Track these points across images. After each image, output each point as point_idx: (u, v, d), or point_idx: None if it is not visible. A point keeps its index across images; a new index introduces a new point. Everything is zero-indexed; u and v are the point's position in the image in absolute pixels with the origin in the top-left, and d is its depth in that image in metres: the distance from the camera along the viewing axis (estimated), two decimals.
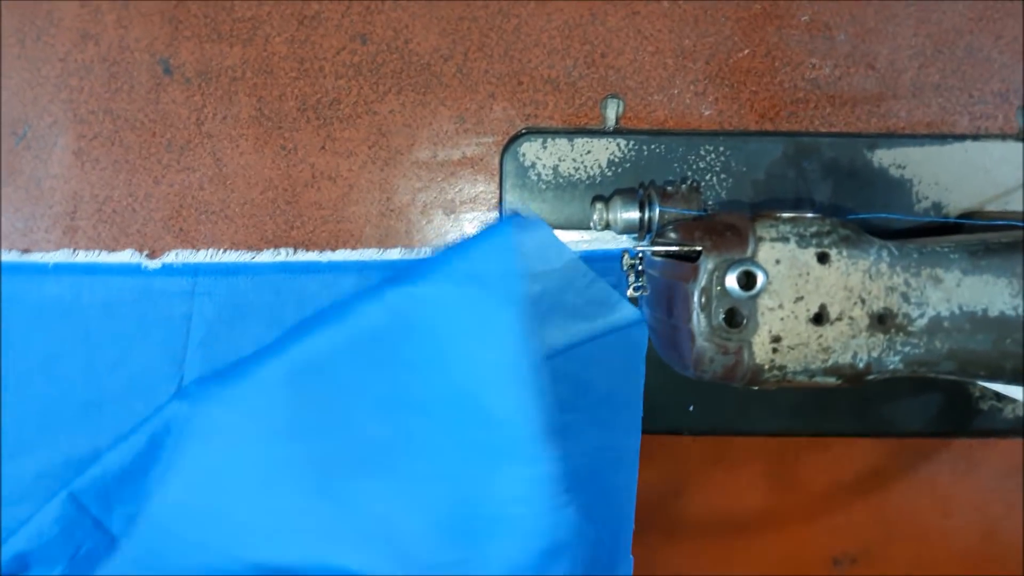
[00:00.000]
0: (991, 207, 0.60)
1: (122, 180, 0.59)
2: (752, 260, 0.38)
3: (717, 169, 0.60)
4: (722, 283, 0.38)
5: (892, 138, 0.60)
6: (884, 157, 0.60)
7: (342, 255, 0.59)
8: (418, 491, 0.47)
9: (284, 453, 0.47)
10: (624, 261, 0.56)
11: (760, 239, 0.38)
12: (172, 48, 0.59)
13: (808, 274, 0.38)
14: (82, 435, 0.57)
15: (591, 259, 0.58)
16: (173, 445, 0.48)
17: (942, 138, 0.60)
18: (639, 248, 0.46)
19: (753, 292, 0.37)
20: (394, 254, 0.59)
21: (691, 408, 0.61)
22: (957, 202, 0.60)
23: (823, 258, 0.38)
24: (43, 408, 0.57)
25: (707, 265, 0.38)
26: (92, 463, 0.52)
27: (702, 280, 0.38)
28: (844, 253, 0.39)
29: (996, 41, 0.60)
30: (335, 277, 0.58)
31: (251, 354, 0.49)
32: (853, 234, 0.39)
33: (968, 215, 0.60)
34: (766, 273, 0.38)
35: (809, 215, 0.40)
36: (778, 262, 0.38)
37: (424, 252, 0.59)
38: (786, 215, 0.40)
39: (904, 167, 0.60)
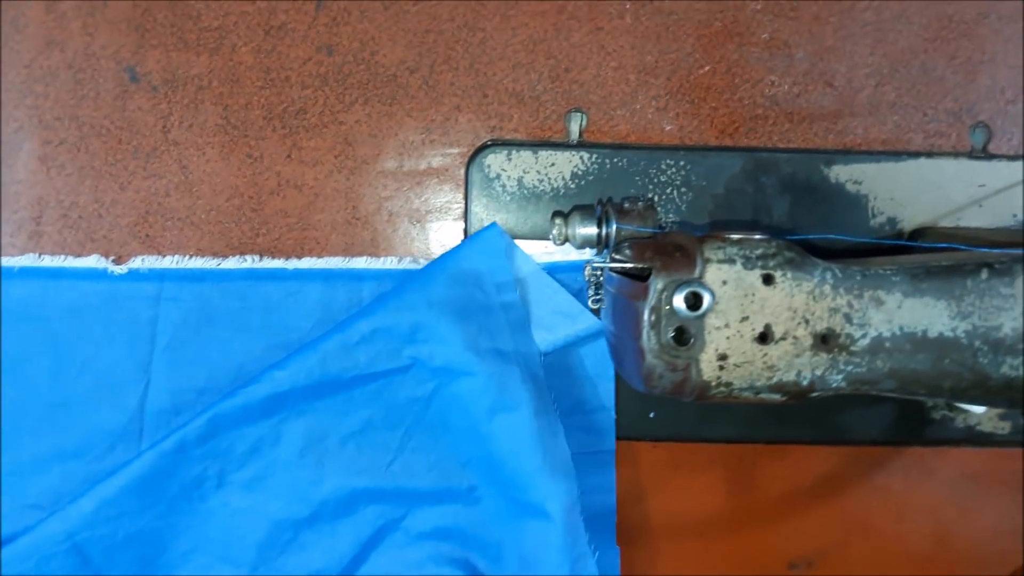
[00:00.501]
0: (944, 223, 0.62)
1: (88, 186, 0.59)
2: (699, 281, 0.39)
3: (678, 183, 0.61)
4: (670, 303, 0.39)
5: (849, 154, 0.62)
6: (841, 173, 0.62)
7: (308, 263, 0.60)
8: None
9: None
10: (586, 272, 0.57)
11: (708, 260, 0.39)
12: (139, 56, 0.59)
13: (753, 295, 0.40)
14: (48, 436, 0.58)
15: (555, 270, 0.59)
16: None
17: (897, 155, 0.62)
18: (597, 264, 0.47)
19: (700, 312, 0.38)
20: (360, 263, 0.60)
21: (652, 415, 0.62)
22: (911, 217, 0.62)
23: (768, 279, 0.40)
24: (10, 410, 0.57)
25: (656, 285, 0.39)
26: (92, 500, 0.54)
27: (652, 299, 0.39)
28: (789, 275, 0.40)
29: (950, 61, 0.62)
30: (300, 284, 0.59)
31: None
32: (798, 256, 0.40)
33: (921, 231, 0.61)
34: (712, 294, 0.39)
35: (757, 236, 0.41)
36: (724, 283, 0.39)
37: (390, 262, 0.60)
38: (734, 236, 0.41)
39: (860, 183, 0.62)
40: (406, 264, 0.60)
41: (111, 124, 0.59)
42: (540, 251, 0.60)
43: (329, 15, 0.60)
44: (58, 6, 0.59)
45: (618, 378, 0.61)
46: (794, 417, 0.63)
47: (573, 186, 0.61)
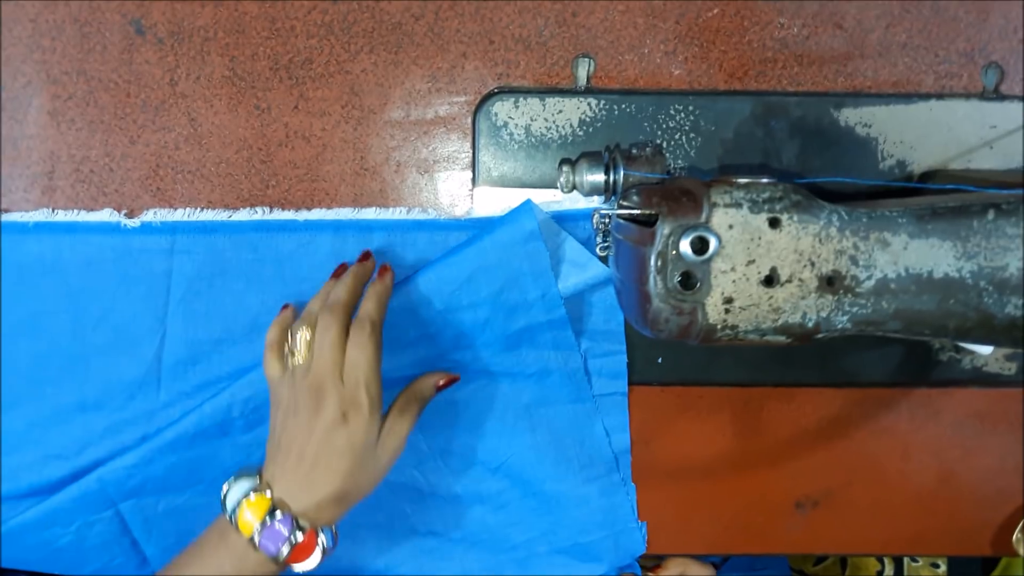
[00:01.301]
0: (954, 165, 0.62)
1: (98, 140, 0.60)
2: (705, 225, 0.39)
3: (687, 128, 0.61)
4: (676, 248, 0.39)
5: (858, 97, 0.61)
6: (850, 116, 0.61)
7: (318, 214, 0.60)
8: None
9: None
10: (595, 220, 0.57)
11: (714, 205, 0.40)
12: (144, 8, 0.59)
13: (760, 238, 0.40)
14: (68, 388, 0.59)
15: (563, 218, 0.59)
16: None
17: (907, 97, 0.61)
18: (604, 210, 0.47)
19: (706, 256, 0.39)
20: (369, 213, 0.60)
21: (659, 360, 0.63)
22: (921, 160, 0.62)
23: (774, 223, 0.40)
24: (30, 363, 0.59)
25: (663, 230, 0.40)
26: (135, 467, 0.57)
27: (658, 244, 0.40)
28: (795, 218, 0.40)
29: (962, 1, 0.61)
30: (311, 235, 0.60)
31: None
32: (804, 199, 0.40)
33: (931, 174, 0.61)
34: (718, 238, 0.39)
35: (764, 180, 0.41)
36: (731, 227, 0.40)
37: (399, 212, 0.61)
38: (741, 180, 0.41)
39: (870, 126, 0.62)
40: (415, 214, 0.60)
41: (119, 78, 0.60)
42: (548, 199, 0.60)
43: None
44: None
45: (626, 323, 0.62)
46: (800, 360, 0.64)
47: (581, 133, 0.61)
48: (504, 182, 0.61)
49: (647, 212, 0.42)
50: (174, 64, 0.60)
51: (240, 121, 0.60)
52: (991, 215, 0.41)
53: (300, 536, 0.47)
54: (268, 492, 0.48)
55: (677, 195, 0.41)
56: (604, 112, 0.61)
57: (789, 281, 0.40)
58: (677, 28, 0.61)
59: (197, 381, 0.59)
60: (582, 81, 0.61)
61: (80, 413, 0.59)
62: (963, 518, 0.67)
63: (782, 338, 0.41)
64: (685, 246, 0.39)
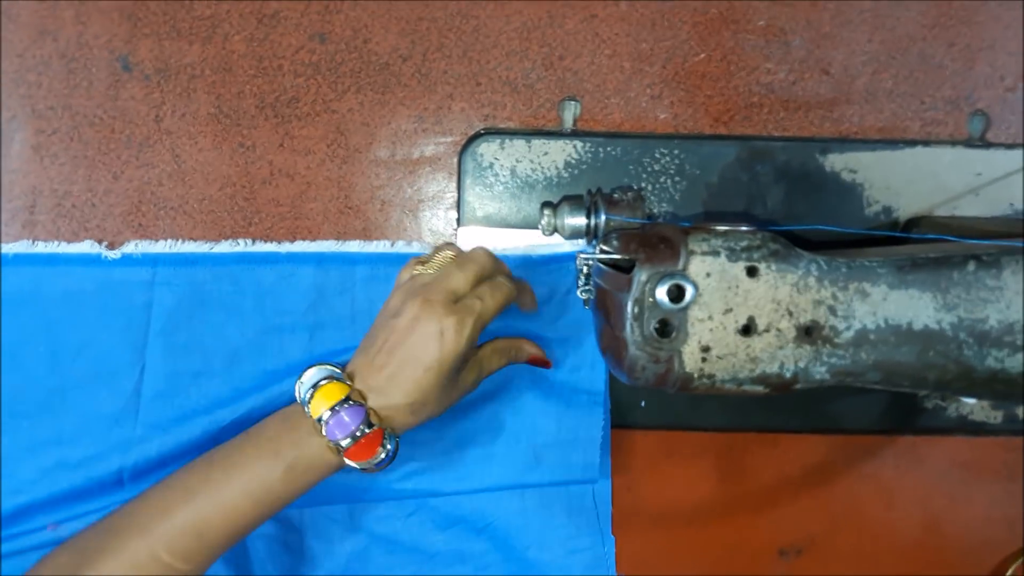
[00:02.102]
0: (939, 212, 0.62)
1: (81, 175, 0.60)
2: (682, 273, 0.39)
3: (672, 172, 0.61)
4: (653, 295, 0.39)
5: (844, 143, 0.62)
6: (836, 161, 0.62)
7: (300, 246, 0.60)
8: None
9: None
10: (578, 261, 0.57)
11: (692, 252, 0.39)
12: (131, 45, 0.59)
13: (737, 287, 0.40)
14: (46, 422, 0.58)
15: (548, 260, 0.59)
16: None
17: (893, 143, 0.62)
18: (585, 256, 0.47)
19: (682, 304, 0.38)
20: (353, 246, 0.60)
21: (642, 404, 0.63)
22: (907, 207, 0.62)
23: (752, 272, 0.40)
24: (7, 395, 0.58)
25: (640, 276, 0.39)
26: None
27: (635, 291, 0.39)
28: (773, 267, 0.40)
29: (949, 48, 0.61)
30: (293, 268, 0.59)
31: None
32: (783, 248, 0.40)
33: (916, 220, 0.61)
34: (695, 286, 0.39)
35: (742, 228, 0.41)
36: (708, 275, 0.39)
37: (383, 245, 0.60)
38: (720, 228, 0.41)
39: (856, 171, 0.62)
40: (399, 248, 0.60)
41: (104, 113, 0.60)
42: (533, 240, 0.60)
43: (322, 4, 0.60)
44: None
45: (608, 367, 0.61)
46: (784, 406, 0.64)
47: (567, 175, 0.61)
48: (489, 222, 0.61)
49: (625, 258, 0.41)
50: (160, 101, 0.60)
51: (224, 158, 0.60)
52: (971, 266, 0.41)
53: (367, 430, 0.46)
54: (347, 382, 0.48)
55: (655, 242, 0.40)
56: (589, 155, 0.61)
57: (767, 331, 0.40)
58: (663, 72, 0.61)
59: (175, 415, 0.58)
60: (568, 124, 0.61)
61: (56, 447, 0.58)
62: (949, 568, 0.66)
63: (760, 388, 0.40)
64: (661, 293, 0.38)
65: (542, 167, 0.61)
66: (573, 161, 0.61)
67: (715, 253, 0.39)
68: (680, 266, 0.39)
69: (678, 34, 0.61)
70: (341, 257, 0.59)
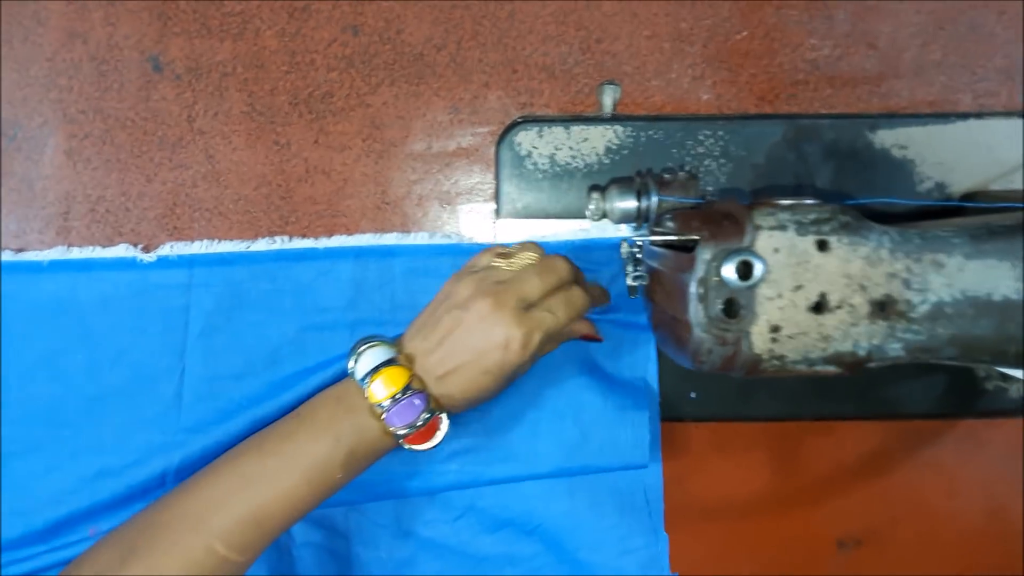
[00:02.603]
0: (995, 186, 0.60)
1: (114, 179, 0.59)
2: (750, 249, 0.37)
3: (716, 154, 0.59)
4: (719, 273, 0.37)
5: (893, 118, 0.60)
6: (886, 138, 0.59)
7: (337, 241, 0.59)
8: None
9: None
10: (623, 249, 0.55)
11: (758, 227, 0.38)
12: (161, 45, 0.58)
13: (807, 262, 0.38)
14: (87, 429, 0.57)
15: (591, 247, 0.58)
16: None
17: (944, 117, 0.59)
18: (636, 237, 0.45)
19: (751, 282, 0.37)
20: (390, 239, 0.59)
21: (693, 395, 0.61)
22: (960, 182, 0.60)
23: (822, 245, 0.38)
24: (47, 405, 0.57)
25: (704, 255, 0.38)
26: None
27: (699, 270, 0.38)
28: (844, 240, 0.38)
29: (999, 17, 0.59)
30: (332, 263, 0.58)
31: None
32: (853, 220, 0.38)
33: (971, 195, 0.59)
34: (764, 262, 0.37)
35: (808, 201, 0.39)
36: (776, 250, 0.38)
37: (421, 237, 0.59)
38: (785, 202, 0.39)
39: (906, 147, 0.60)
40: (437, 240, 0.59)
41: (136, 115, 0.59)
42: (574, 229, 0.59)
43: None
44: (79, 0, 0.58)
45: (661, 360, 0.59)
46: (839, 392, 0.61)
47: (607, 161, 0.59)
48: (528, 213, 0.60)
49: (687, 237, 0.40)
50: (192, 100, 0.59)
51: (259, 157, 0.59)
52: None
53: (428, 417, 0.46)
54: (407, 364, 0.47)
55: (718, 218, 0.39)
56: (631, 139, 0.59)
57: (839, 307, 0.38)
58: (705, 52, 0.59)
59: (217, 417, 0.57)
60: (608, 108, 0.59)
61: (97, 455, 0.57)
62: (1014, 557, 0.63)
63: (832, 368, 0.39)
64: (728, 271, 0.37)
65: (582, 154, 0.59)
66: (614, 146, 0.59)
67: (783, 227, 0.38)
68: (746, 242, 0.37)
69: (719, 12, 0.59)
70: (380, 251, 0.58)
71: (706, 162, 0.59)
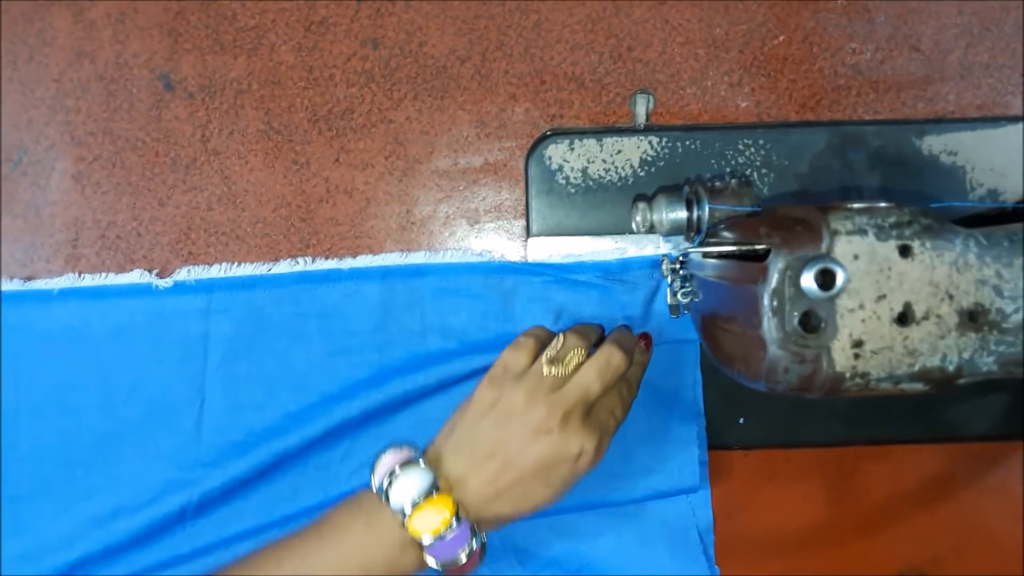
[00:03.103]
0: None
1: (125, 203, 0.56)
2: (829, 256, 0.34)
3: (757, 163, 0.56)
4: (796, 283, 0.34)
5: (941, 123, 0.57)
6: (934, 144, 0.57)
7: (363, 261, 0.55)
8: None
9: None
10: (664, 267, 0.52)
11: (835, 232, 0.34)
12: (172, 62, 0.56)
13: (890, 269, 0.34)
14: (101, 467, 0.54)
15: (629, 266, 0.54)
16: None
17: (995, 120, 0.57)
18: (692, 249, 0.42)
19: (833, 292, 0.33)
20: (418, 257, 0.56)
21: (741, 421, 0.57)
22: (1014, 188, 0.57)
23: (905, 251, 0.34)
24: (59, 442, 0.54)
25: (778, 264, 0.34)
26: None
27: (772, 281, 0.34)
28: (928, 245, 0.35)
29: None
30: (357, 285, 0.55)
31: None
32: (936, 223, 0.35)
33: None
34: (846, 270, 0.34)
35: (882, 204, 0.36)
36: (856, 257, 0.34)
37: (451, 255, 0.56)
38: (858, 206, 0.36)
39: (956, 153, 0.57)
40: (468, 257, 0.55)
41: (147, 136, 0.56)
42: (611, 247, 0.55)
43: (372, 7, 0.56)
44: (87, 15, 0.55)
45: (704, 385, 0.56)
46: (895, 413, 0.58)
47: (643, 173, 0.56)
48: (561, 230, 0.57)
49: (753, 245, 0.36)
50: (205, 119, 0.56)
51: (277, 177, 0.56)
52: None
53: (474, 548, 0.42)
54: (448, 492, 0.43)
55: (789, 224, 0.35)
56: (667, 150, 0.56)
57: (926, 318, 0.34)
58: (741, 58, 0.57)
59: (239, 450, 0.53)
60: (641, 118, 0.57)
61: (112, 493, 0.53)
62: None
63: (919, 385, 0.35)
64: (808, 280, 0.33)
65: (616, 167, 0.56)
66: (649, 158, 0.56)
67: (862, 232, 0.34)
68: (823, 249, 0.34)
69: (754, 16, 0.57)
70: (407, 270, 0.55)
71: (747, 172, 0.56)
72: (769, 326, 0.34)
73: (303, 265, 0.55)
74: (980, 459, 0.59)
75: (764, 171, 0.56)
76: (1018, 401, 0.57)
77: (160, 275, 0.55)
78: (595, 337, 0.49)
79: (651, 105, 0.57)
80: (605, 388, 0.44)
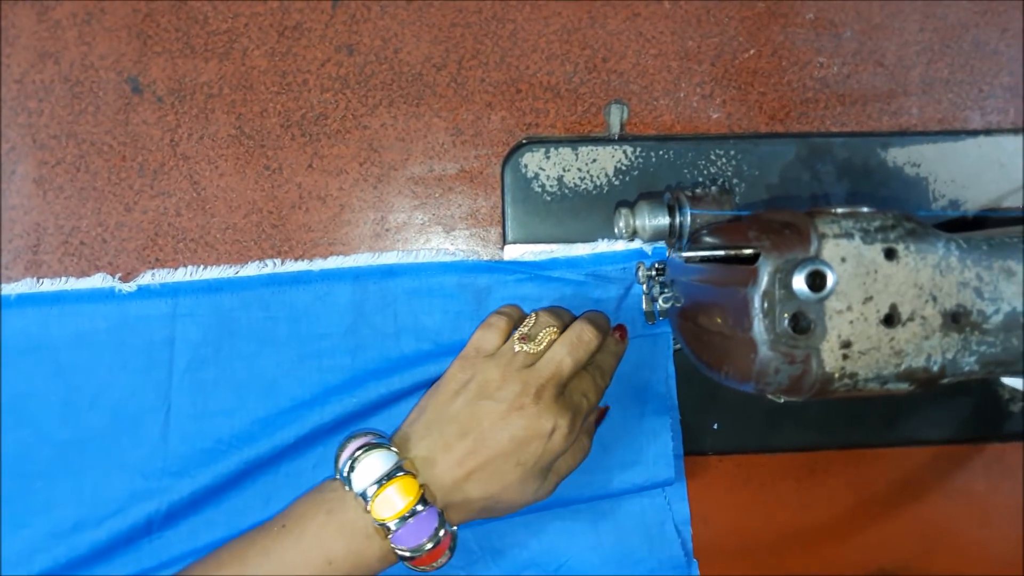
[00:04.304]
0: (1008, 202, 0.59)
1: (90, 209, 0.54)
2: (819, 259, 0.34)
3: (729, 173, 0.57)
4: (787, 285, 0.34)
5: (905, 136, 0.58)
6: (898, 156, 0.58)
7: (334, 262, 0.54)
8: None
9: None
10: (640, 273, 0.52)
11: (823, 236, 0.35)
12: (141, 65, 0.54)
13: (876, 272, 0.35)
14: (62, 479, 0.51)
15: (601, 261, 0.55)
16: None
17: (955, 134, 0.59)
18: (683, 255, 0.42)
19: (823, 293, 0.34)
20: (390, 258, 0.55)
21: (715, 427, 0.58)
22: (975, 199, 0.59)
23: (890, 254, 0.35)
24: (14, 455, 0.51)
25: (768, 266, 0.35)
26: None
27: (763, 283, 0.35)
28: (912, 248, 0.35)
29: (1002, 34, 0.59)
30: (328, 286, 0.54)
31: None
32: (919, 227, 0.36)
33: (988, 212, 0.58)
34: (835, 272, 0.34)
35: (865, 209, 0.37)
36: (844, 260, 0.35)
37: (424, 255, 0.55)
38: (842, 210, 0.37)
39: (919, 165, 0.58)
40: (441, 257, 0.55)
41: (113, 140, 0.54)
42: (586, 250, 0.55)
43: (347, 12, 0.55)
44: (51, 14, 0.54)
45: (680, 392, 0.56)
46: (865, 418, 0.59)
47: (617, 182, 0.57)
48: (537, 237, 0.57)
49: (741, 249, 0.37)
50: (175, 124, 0.55)
51: (248, 183, 0.55)
52: None
53: (441, 535, 0.41)
54: (414, 473, 0.42)
55: (778, 228, 0.36)
56: (641, 159, 0.57)
57: (911, 319, 0.35)
58: (713, 71, 0.58)
59: (206, 458, 0.52)
60: (615, 128, 0.57)
61: (75, 506, 0.51)
62: None
63: (904, 385, 0.36)
64: (799, 282, 0.34)
65: (591, 175, 0.57)
66: (623, 167, 0.57)
67: (848, 235, 0.35)
68: (812, 252, 0.35)
69: (725, 30, 0.58)
70: (380, 271, 0.54)
71: (719, 182, 0.57)
72: (760, 327, 0.35)
73: (272, 267, 0.53)
74: (944, 463, 0.60)
75: (735, 181, 0.57)
76: (977, 405, 0.59)
77: (124, 279, 0.53)
78: (567, 319, 0.49)
79: (625, 115, 0.57)
80: (577, 364, 0.45)
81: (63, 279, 0.52)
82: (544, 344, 0.45)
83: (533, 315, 0.48)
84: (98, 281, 0.52)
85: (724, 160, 0.57)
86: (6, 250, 0.53)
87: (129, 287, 0.52)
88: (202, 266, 0.53)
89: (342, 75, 0.56)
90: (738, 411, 0.57)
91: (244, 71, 0.55)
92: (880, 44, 0.59)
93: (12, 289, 0.52)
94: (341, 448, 0.45)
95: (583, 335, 0.46)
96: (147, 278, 0.53)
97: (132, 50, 0.54)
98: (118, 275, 0.53)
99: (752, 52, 0.58)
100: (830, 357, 0.35)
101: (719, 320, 0.39)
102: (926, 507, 0.60)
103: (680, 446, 0.56)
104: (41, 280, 0.52)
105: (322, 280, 0.53)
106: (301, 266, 0.54)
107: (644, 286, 0.53)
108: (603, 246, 0.55)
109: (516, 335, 0.46)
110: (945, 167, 0.58)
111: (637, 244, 0.53)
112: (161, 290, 0.52)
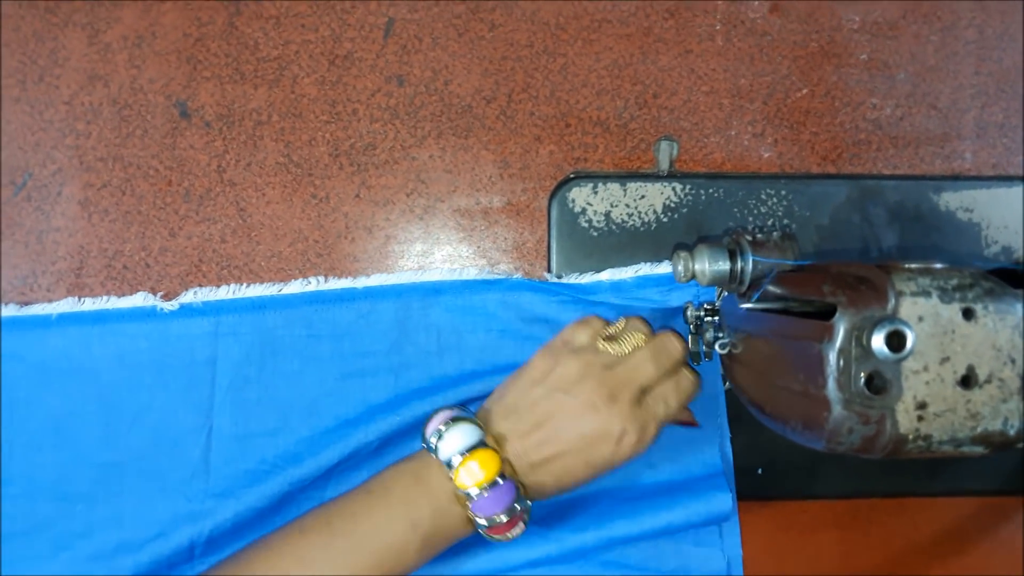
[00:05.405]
0: None
1: (134, 233, 0.54)
2: (897, 318, 0.34)
3: (779, 214, 0.56)
4: (863, 343, 0.33)
5: (958, 180, 0.58)
6: (951, 200, 0.57)
7: (378, 280, 0.54)
8: None
9: None
10: (689, 314, 0.51)
11: (900, 293, 0.34)
12: (190, 90, 0.54)
13: (953, 332, 0.34)
14: (103, 501, 0.51)
15: (644, 285, 0.54)
16: None
17: (1008, 180, 0.58)
18: (756, 306, 0.41)
19: (902, 354, 0.33)
20: (434, 275, 0.54)
21: (759, 472, 0.57)
22: None
23: (968, 314, 0.34)
24: (57, 476, 0.50)
25: (844, 323, 0.34)
26: None
27: (839, 340, 0.34)
28: (991, 308, 0.35)
29: None
30: (371, 304, 0.53)
31: None
32: (996, 287, 0.35)
33: None
34: (915, 332, 0.33)
35: (939, 265, 0.36)
36: (921, 319, 0.34)
37: (469, 272, 0.54)
38: (915, 266, 0.36)
39: (971, 210, 0.58)
40: (485, 275, 0.54)
41: (160, 164, 0.54)
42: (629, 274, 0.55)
43: (399, 43, 0.55)
44: (102, 37, 0.54)
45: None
46: (909, 467, 0.58)
47: (666, 219, 0.56)
48: (582, 272, 0.56)
49: (814, 302, 0.36)
50: (222, 149, 0.54)
51: (295, 211, 0.54)
52: None
53: (517, 508, 0.42)
54: (496, 448, 0.43)
55: (853, 283, 0.35)
56: (690, 197, 0.56)
57: (988, 381, 0.34)
58: (765, 109, 0.57)
59: (249, 479, 0.51)
60: (665, 165, 0.56)
61: (116, 529, 0.50)
62: None
63: (979, 448, 0.35)
64: (879, 342, 0.33)
65: (639, 212, 0.56)
66: (672, 204, 0.56)
67: (926, 294, 0.34)
68: (889, 310, 0.34)
69: (778, 69, 0.57)
70: (423, 288, 0.54)
71: (769, 222, 0.56)
72: (834, 386, 0.34)
73: (315, 285, 0.53)
74: (990, 514, 0.59)
75: (786, 221, 0.56)
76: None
77: (166, 297, 0.52)
78: (650, 331, 0.49)
79: (675, 152, 0.57)
80: (659, 373, 0.45)
81: (104, 298, 0.52)
82: (629, 348, 0.46)
83: (623, 319, 0.48)
84: (140, 300, 0.52)
85: (775, 200, 0.56)
86: (50, 272, 0.53)
87: (171, 306, 0.52)
88: (245, 284, 0.53)
89: (392, 105, 0.55)
90: (781, 457, 0.56)
91: (294, 99, 0.55)
92: (934, 87, 0.58)
93: (54, 309, 0.51)
94: (428, 420, 0.45)
95: (668, 344, 0.46)
96: (189, 296, 0.52)
97: (181, 74, 0.54)
98: (160, 294, 0.53)
99: (805, 91, 0.57)
100: (905, 418, 0.34)
101: (788, 374, 0.38)
102: (971, 559, 0.59)
103: (732, 475, 0.55)
104: (83, 299, 0.52)
105: (365, 298, 0.53)
106: (344, 283, 0.53)
107: (691, 326, 0.52)
108: (646, 269, 0.54)
109: (603, 335, 0.47)
110: (998, 213, 0.58)
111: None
112: (203, 308, 0.52)
